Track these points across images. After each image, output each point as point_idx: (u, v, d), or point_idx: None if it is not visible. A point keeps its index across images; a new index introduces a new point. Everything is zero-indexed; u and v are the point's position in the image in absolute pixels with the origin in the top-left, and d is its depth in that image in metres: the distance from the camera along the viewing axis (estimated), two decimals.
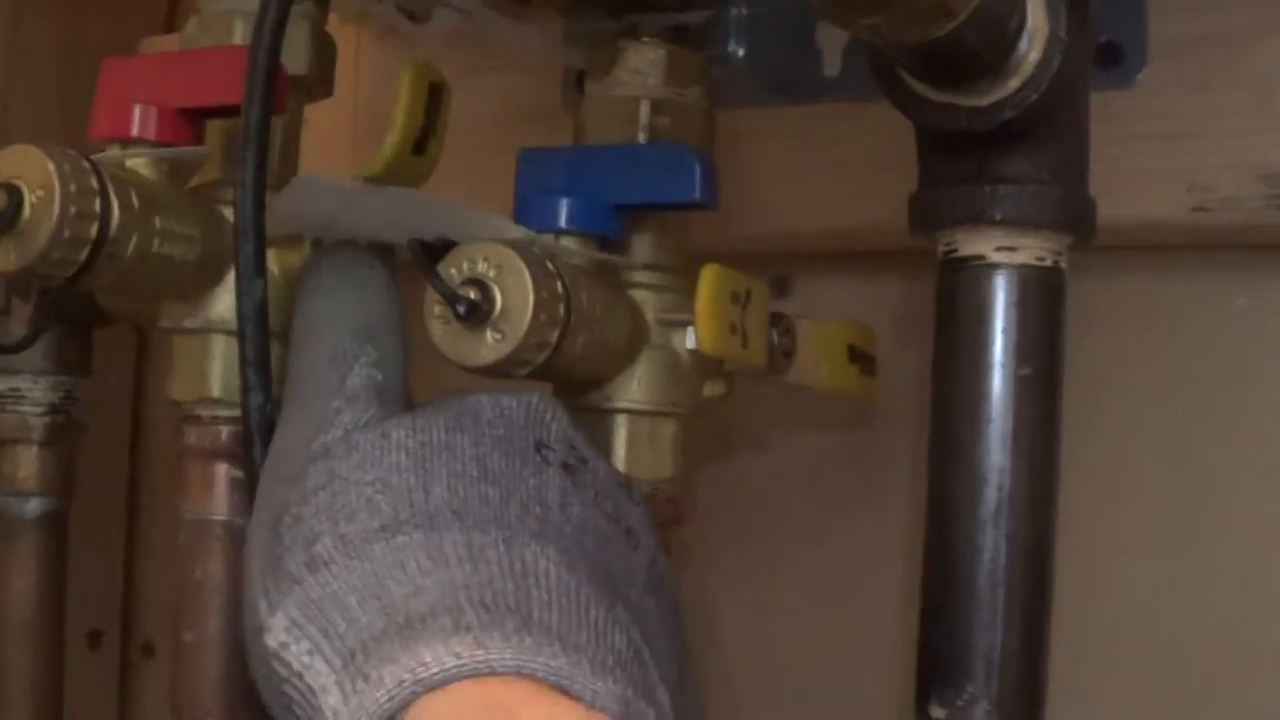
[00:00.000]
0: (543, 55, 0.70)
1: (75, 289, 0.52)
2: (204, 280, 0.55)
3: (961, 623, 0.49)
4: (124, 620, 0.90)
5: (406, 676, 0.38)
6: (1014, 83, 0.46)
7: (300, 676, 0.41)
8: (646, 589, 0.48)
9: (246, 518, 0.49)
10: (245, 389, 0.50)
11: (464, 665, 0.38)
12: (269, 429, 0.49)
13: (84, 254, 0.50)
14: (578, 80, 0.72)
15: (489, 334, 0.50)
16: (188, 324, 0.55)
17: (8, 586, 0.65)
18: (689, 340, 0.56)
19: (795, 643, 0.75)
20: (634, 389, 0.56)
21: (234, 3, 0.57)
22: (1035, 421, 0.49)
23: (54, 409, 0.65)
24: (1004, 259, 0.49)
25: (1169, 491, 0.68)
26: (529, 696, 0.37)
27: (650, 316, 0.57)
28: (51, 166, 0.49)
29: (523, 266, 0.49)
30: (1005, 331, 0.49)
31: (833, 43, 0.68)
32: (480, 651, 0.38)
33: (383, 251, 0.53)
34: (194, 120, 0.55)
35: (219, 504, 0.55)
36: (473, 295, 0.49)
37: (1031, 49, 0.46)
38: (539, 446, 0.48)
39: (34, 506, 0.65)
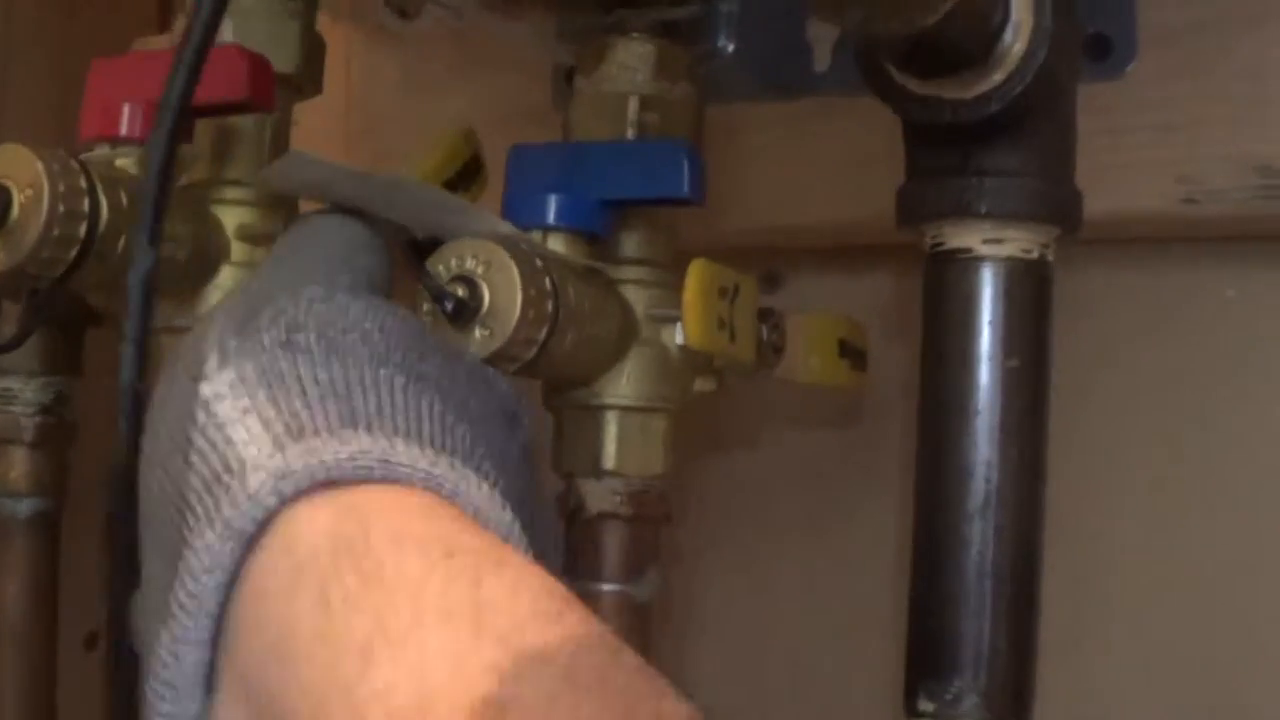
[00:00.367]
0: (533, 53, 0.70)
1: (65, 288, 0.52)
2: (194, 278, 0.55)
3: (949, 616, 0.49)
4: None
5: (327, 459, 0.37)
6: (998, 75, 0.46)
7: (222, 428, 0.39)
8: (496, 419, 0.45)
9: None
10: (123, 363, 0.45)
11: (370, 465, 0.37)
12: (140, 409, 0.45)
13: (73, 253, 0.50)
14: (568, 78, 0.72)
15: (477, 331, 0.50)
16: (178, 323, 0.55)
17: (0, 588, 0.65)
18: (678, 336, 0.56)
19: (787, 638, 0.75)
20: (624, 385, 0.56)
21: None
22: (1022, 413, 0.49)
23: (45, 410, 0.64)
24: (990, 251, 0.49)
25: (1160, 483, 0.68)
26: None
27: (640, 313, 0.57)
28: (40, 166, 0.49)
29: (511, 264, 0.49)
30: (992, 324, 0.49)
31: (823, 38, 0.68)
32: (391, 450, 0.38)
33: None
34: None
35: None
36: (460, 292, 0.49)
37: (1016, 41, 0.46)
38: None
39: (26, 507, 0.65)
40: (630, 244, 0.58)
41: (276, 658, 0.35)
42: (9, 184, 0.49)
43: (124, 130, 0.54)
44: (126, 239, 0.49)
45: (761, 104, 0.69)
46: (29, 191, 0.49)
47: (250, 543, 0.37)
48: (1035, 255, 0.49)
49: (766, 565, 0.76)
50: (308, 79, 0.59)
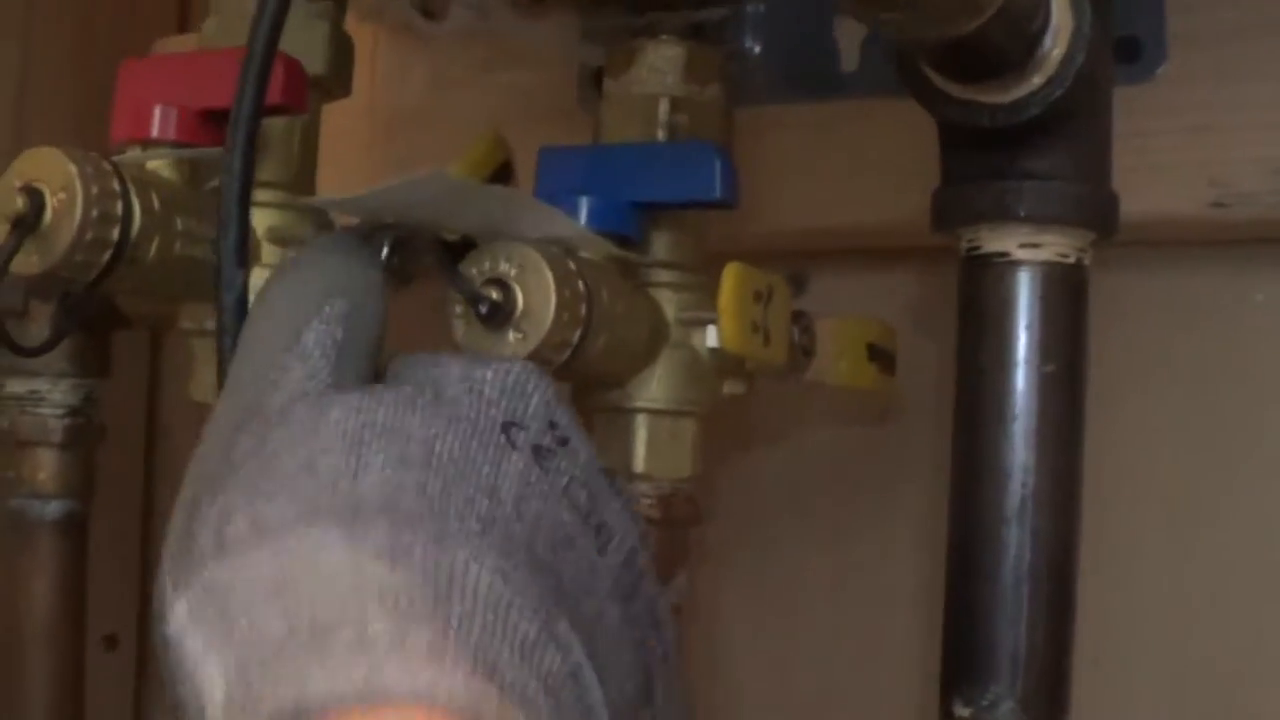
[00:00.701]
0: (558, 53, 0.70)
1: (97, 291, 0.52)
2: None
3: (985, 621, 0.49)
4: (140, 624, 0.90)
5: (288, 706, 0.33)
6: (1038, 79, 0.46)
7: (192, 675, 0.36)
8: (611, 595, 0.42)
9: None
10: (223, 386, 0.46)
11: (355, 690, 0.33)
12: None
13: (106, 256, 0.50)
14: (593, 78, 0.72)
15: (511, 334, 0.50)
16: (209, 325, 0.55)
17: (28, 589, 0.65)
18: (709, 339, 0.56)
19: (817, 639, 0.75)
20: (654, 388, 0.56)
21: (252, 3, 0.57)
22: (1059, 418, 0.49)
23: (74, 411, 0.64)
24: (1028, 256, 0.49)
25: (1188, 485, 0.68)
26: None
27: (670, 315, 0.56)
28: (73, 169, 0.49)
29: (544, 266, 0.49)
30: (1029, 328, 0.49)
31: (850, 38, 0.68)
32: (376, 675, 0.33)
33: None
34: (213, 121, 0.55)
35: None
36: (494, 295, 0.49)
37: (1055, 45, 0.46)
38: (508, 426, 0.41)
39: (54, 509, 0.65)
40: (661, 246, 0.57)
41: None
42: (42, 187, 0.49)
43: (155, 132, 0.54)
44: (217, 267, 0.47)
45: (788, 105, 0.69)
46: (62, 195, 0.49)
47: None
48: (1072, 259, 0.49)
49: (796, 565, 0.76)
50: (336, 80, 0.59)
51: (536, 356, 0.49)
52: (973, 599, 0.49)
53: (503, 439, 0.40)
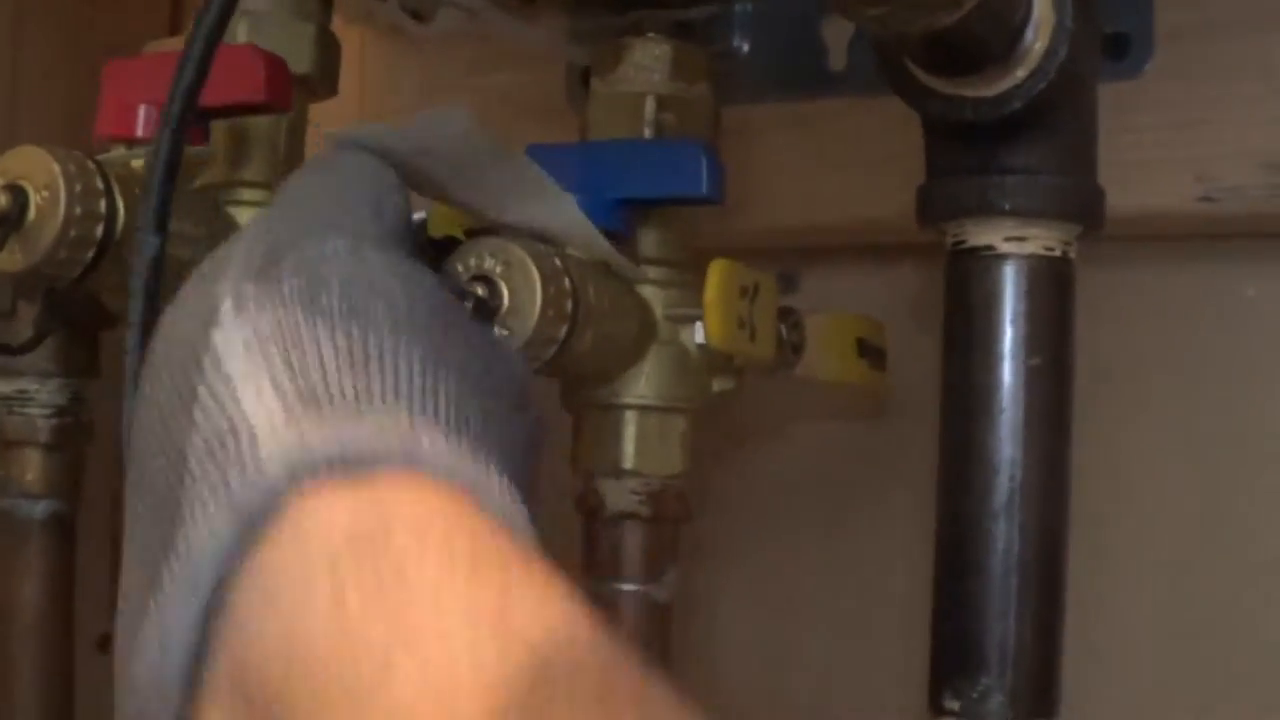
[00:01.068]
0: (547, 53, 0.70)
1: (81, 290, 0.52)
2: None
3: (975, 614, 0.49)
4: None
5: (345, 439, 0.34)
6: (1021, 72, 0.46)
7: (230, 383, 0.35)
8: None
9: None
10: (130, 349, 0.44)
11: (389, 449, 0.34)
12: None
13: (89, 254, 0.50)
14: (582, 77, 0.72)
15: (497, 330, 0.49)
16: None
17: (16, 590, 0.64)
18: (697, 335, 0.56)
19: (809, 635, 0.75)
20: (642, 385, 0.56)
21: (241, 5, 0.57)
22: (1046, 411, 0.49)
23: (61, 411, 0.64)
24: (1013, 249, 0.49)
25: (1179, 480, 0.68)
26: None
27: (658, 312, 0.57)
28: (56, 167, 0.49)
29: (530, 263, 0.49)
30: (1015, 322, 0.49)
31: (838, 37, 0.68)
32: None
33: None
34: (198, 120, 0.55)
35: None
36: (480, 291, 0.49)
37: (1038, 39, 0.46)
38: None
39: (42, 509, 0.64)
40: (648, 244, 0.57)
41: (285, 657, 0.33)
42: (25, 185, 0.49)
43: (140, 131, 0.54)
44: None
45: (777, 104, 0.69)
46: (45, 193, 0.49)
47: (257, 525, 0.34)
48: (1058, 253, 0.49)
49: (788, 562, 0.75)
50: (323, 80, 0.59)
51: (523, 353, 0.49)
52: (962, 592, 0.49)
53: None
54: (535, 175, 0.51)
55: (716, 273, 0.53)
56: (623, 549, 0.57)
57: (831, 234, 0.71)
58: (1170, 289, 0.68)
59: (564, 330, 0.50)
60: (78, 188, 0.49)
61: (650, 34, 0.59)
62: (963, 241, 0.50)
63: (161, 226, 0.45)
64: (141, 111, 0.54)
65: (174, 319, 0.39)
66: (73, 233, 0.49)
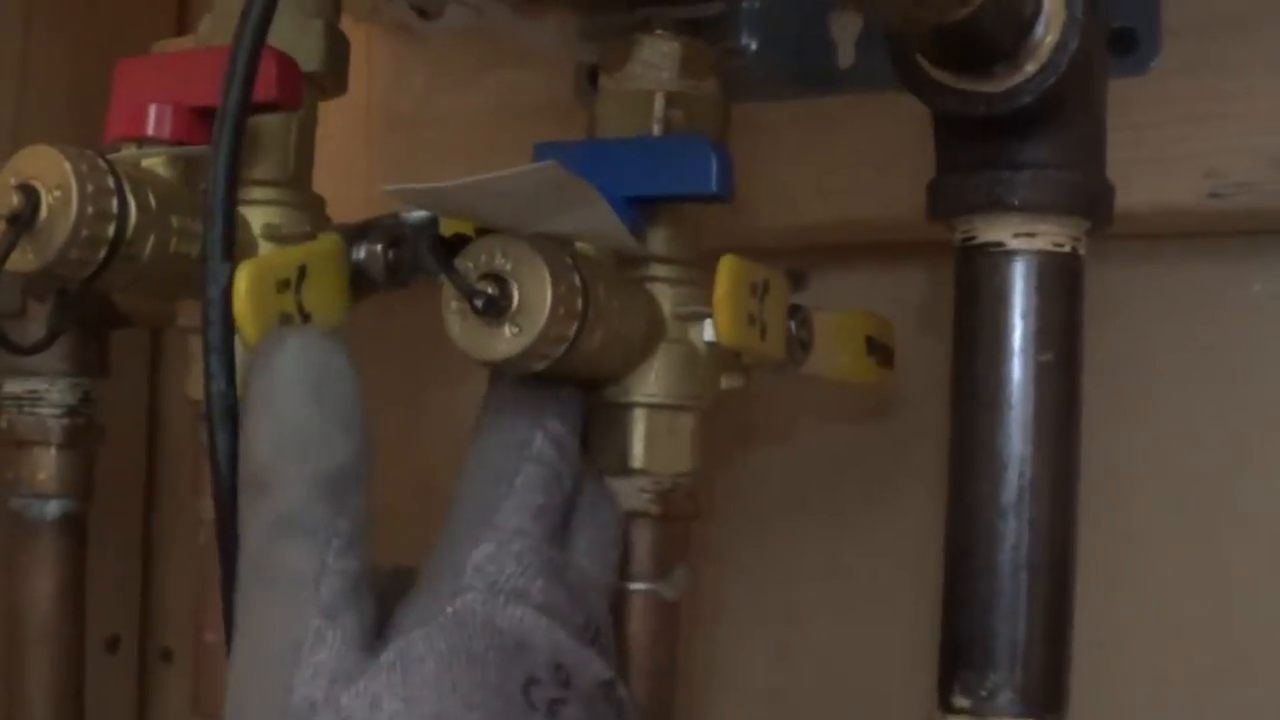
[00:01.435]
0: (554, 50, 0.70)
1: (92, 290, 0.52)
2: None
3: (984, 611, 0.49)
4: (142, 625, 0.90)
5: None
6: (1031, 67, 0.46)
7: None
8: None
9: None
10: (208, 376, 0.48)
11: None
12: (233, 417, 0.48)
13: (101, 254, 0.50)
14: (590, 75, 0.73)
15: (507, 328, 0.49)
16: None
17: (28, 589, 0.65)
18: (706, 333, 0.56)
19: (817, 633, 0.75)
20: (651, 382, 0.56)
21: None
22: (1055, 407, 0.49)
23: (72, 411, 0.65)
24: (1022, 245, 0.49)
25: (1188, 476, 0.68)
26: None
27: (667, 310, 0.56)
28: (68, 167, 0.49)
29: (540, 261, 0.49)
30: (1024, 317, 0.49)
31: (846, 34, 0.68)
32: None
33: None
34: (209, 119, 0.55)
35: None
36: (490, 290, 0.49)
37: (1048, 33, 0.46)
38: (528, 685, 0.47)
39: (53, 509, 0.65)
40: (657, 241, 0.57)
41: None
42: (37, 185, 0.49)
43: (151, 130, 0.54)
44: (202, 259, 0.48)
45: (785, 102, 0.69)
46: (57, 192, 0.49)
47: None
48: (1067, 249, 0.49)
49: (793, 560, 0.76)
50: (332, 78, 0.59)
51: (533, 351, 0.49)
52: (971, 589, 0.49)
53: (525, 701, 0.47)
54: (583, 187, 0.51)
55: (727, 269, 0.53)
56: (632, 547, 0.56)
57: (840, 232, 0.71)
58: (1178, 284, 0.68)
59: (574, 328, 0.50)
60: (90, 188, 0.49)
61: (659, 30, 0.59)
62: (972, 237, 0.50)
63: (229, 253, 0.46)
64: (153, 111, 0.54)
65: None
66: (85, 233, 0.49)
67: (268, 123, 0.57)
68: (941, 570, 0.52)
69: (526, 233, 0.50)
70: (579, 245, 0.54)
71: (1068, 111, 0.48)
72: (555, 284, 0.49)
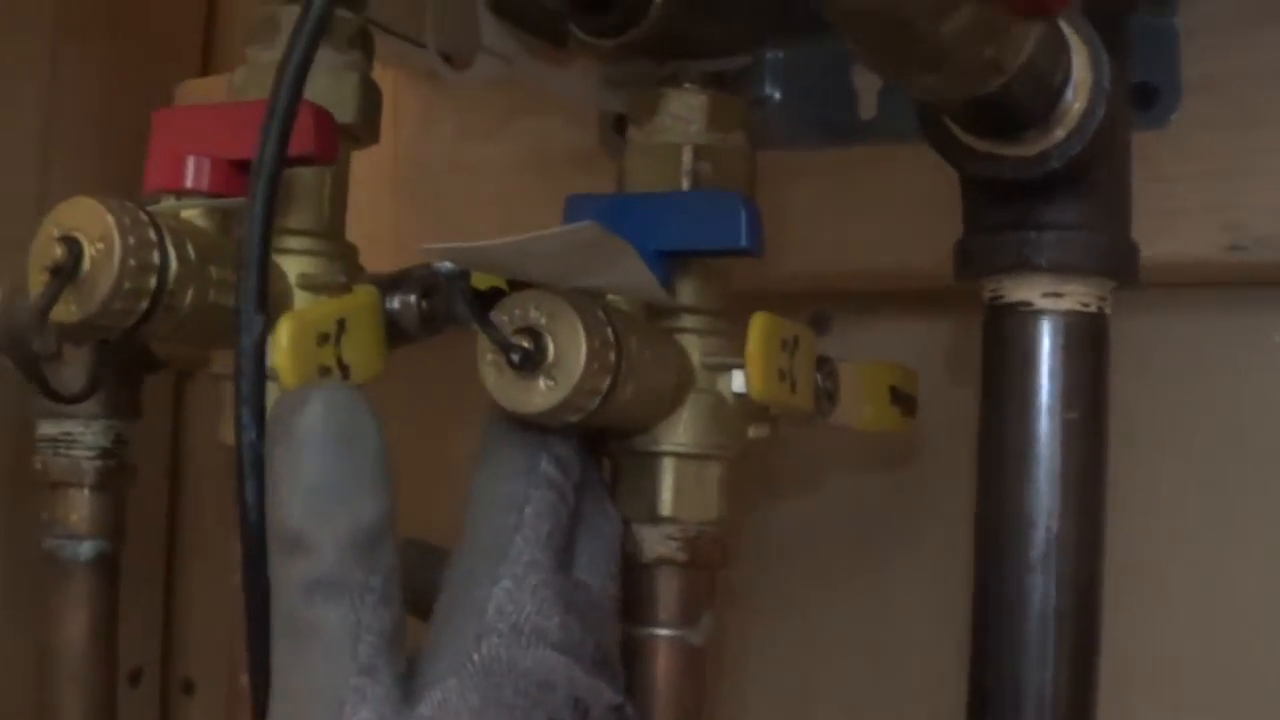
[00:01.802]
0: (580, 99, 0.71)
1: (132, 339, 0.53)
2: None
3: (1012, 665, 0.49)
4: (164, 657, 0.91)
5: None
6: (1059, 133, 0.47)
7: None
8: None
9: None
10: (239, 426, 0.49)
11: None
12: (262, 467, 0.48)
13: (143, 305, 0.50)
14: (615, 124, 0.73)
15: (542, 382, 0.50)
16: None
17: (61, 628, 0.65)
18: (734, 383, 0.57)
19: (839, 681, 0.76)
20: (680, 432, 0.57)
21: (278, 53, 0.57)
22: (1082, 464, 0.50)
23: (105, 453, 0.65)
24: (1050, 305, 0.50)
25: (1208, 527, 0.68)
26: None
27: (696, 360, 0.57)
28: (111, 219, 0.49)
29: (575, 315, 0.50)
30: (1052, 376, 0.50)
31: (868, 86, 0.69)
32: None
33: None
34: (246, 171, 0.56)
35: None
36: (526, 344, 0.50)
37: (1076, 99, 0.47)
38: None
39: (86, 549, 0.66)
40: (686, 292, 0.58)
41: None
42: (79, 236, 0.50)
43: (189, 182, 0.55)
44: (235, 310, 0.49)
45: (807, 151, 0.70)
46: (100, 244, 0.49)
47: None
48: (1093, 308, 0.50)
49: (818, 607, 0.76)
50: (365, 128, 0.60)
51: (568, 404, 0.50)
52: (999, 643, 0.50)
53: None
54: (620, 244, 0.52)
55: (758, 326, 0.54)
56: (659, 594, 0.57)
57: (862, 280, 0.71)
58: (1197, 336, 0.68)
59: (608, 382, 0.51)
60: (132, 240, 0.49)
61: (687, 84, 0.59)
62: (1000, 297, 0.51)
63: (263, 305, 0.47)
64: (191, 163, 0.55)
65: None
66: (127, 284, 0.49)
67: (302, 173, 0.58)
68: (964, 615, 0.52)
69: (561, 287, 0.51)
70: (610, 297, 0.55)
71: (1094, 174, 0.49)
72: (590, 338, 0.50)
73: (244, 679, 0.56)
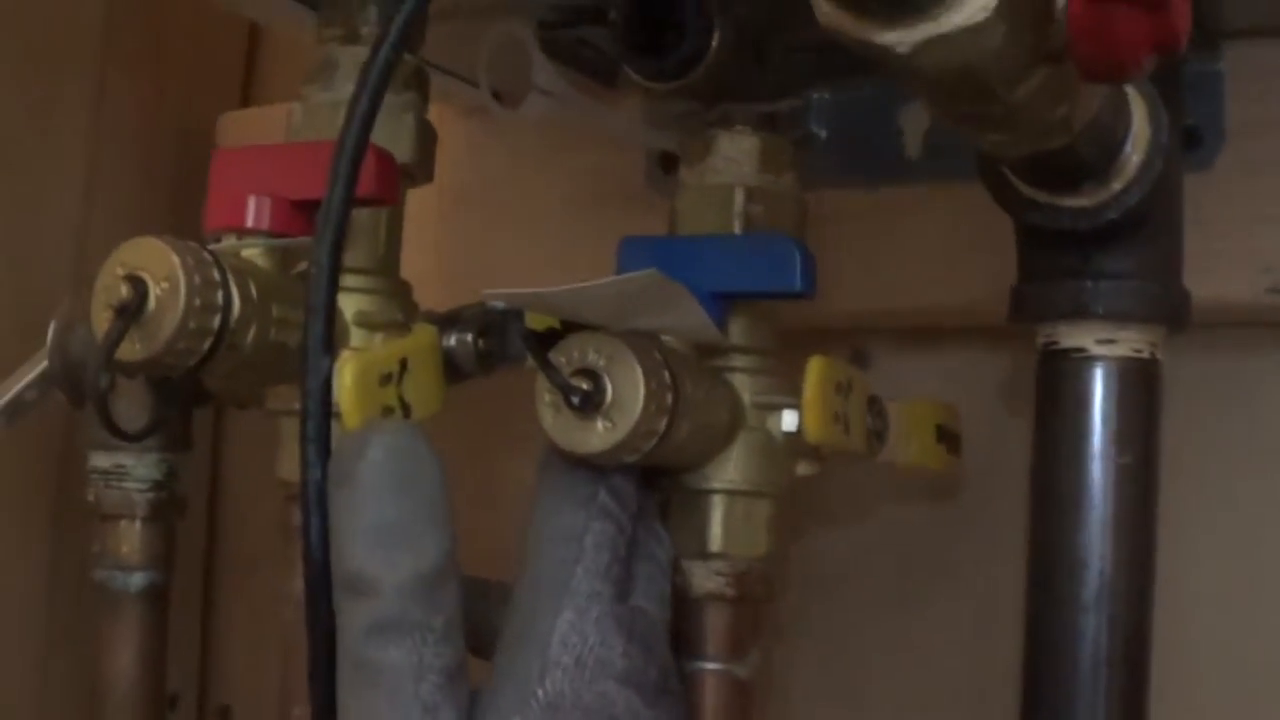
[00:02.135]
0: (627, 137, 0.71)
1: (193, 376, 0.53)
2: None
3: (1065, 705, 0.50)
4: (201, 683, 0.92)
5: None
6: (1117, 185, 0.48)
7: None
8: None
9: None
10: (304, 464, 0.50)
11: None
12: (326, 505, 0.49)
13: (207, 344, 0.51)
14: (660, 161, 0.74)
15: (600, 423, 0.51)
16: (298, 407, 0.56)
17: (113, 659, 0.66)
18: (785, 422, 0.57)
19: (882, 713, 0.76)
20: (730, 470, 0.57)
21: (337, 94, 0.59)
22: (1135, 508, 0.51)
23: (157, 485, 0.66)
24: (1104, 351, 0.51)
25: (1249, 566, 0.69)
26: None
27: (747, 399, 0.58)
28: (175, 259, 0.50)
29: (633, 357, 0.51)
30: (1105, 421, 0.51)
31: (914, 125, 0.69)
32: None
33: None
34: (305, 211, 0.57)
35: None
36: (585, 385, 0.51)
37: (1135, 152, 0.48)
38: None
39: (137, 580, 0.66)
40: (737, 332, 0.59)
41: None
42: (145, 276, 0.50)
43: (250, 222, 0.56)
44: (301, 352, 0.49)
45: (853, 190, 0.70)
46: (165, 284, 0.50)
47: None
48: (1146, 354, 0.51)
49: (861, 641, 0.77)
50: (421, 168, 0.61)
51: (625, 445, 0.51)
52: (1051, 683, 0.51)
53: None
54: (678, 289, 0.52)
55: (815, 371, 0.55)
56: (708, 628, 0.58)
57: (905, 317, 0.72)
58: (1237, 375, 0.69)
59: (664, 423, 0.52)
60: (197, 280, 0.50)
61: (738, 126, 0.60)
62: (1055, 342, 0.51)
63: (328, 347, 0.48)
64: (252, 203, 0.56)
65: None
66: (192, 324, 0.50)
67: (359, 212, 0.58)
68: (1008, 648, 0.53)
69: (618, 329, 0.52)
70: (664, 338, 0.55)
71: (1149, 223, 0.50)
72: (648, 380, 0.51)
73: (297, 712, 0.56)
